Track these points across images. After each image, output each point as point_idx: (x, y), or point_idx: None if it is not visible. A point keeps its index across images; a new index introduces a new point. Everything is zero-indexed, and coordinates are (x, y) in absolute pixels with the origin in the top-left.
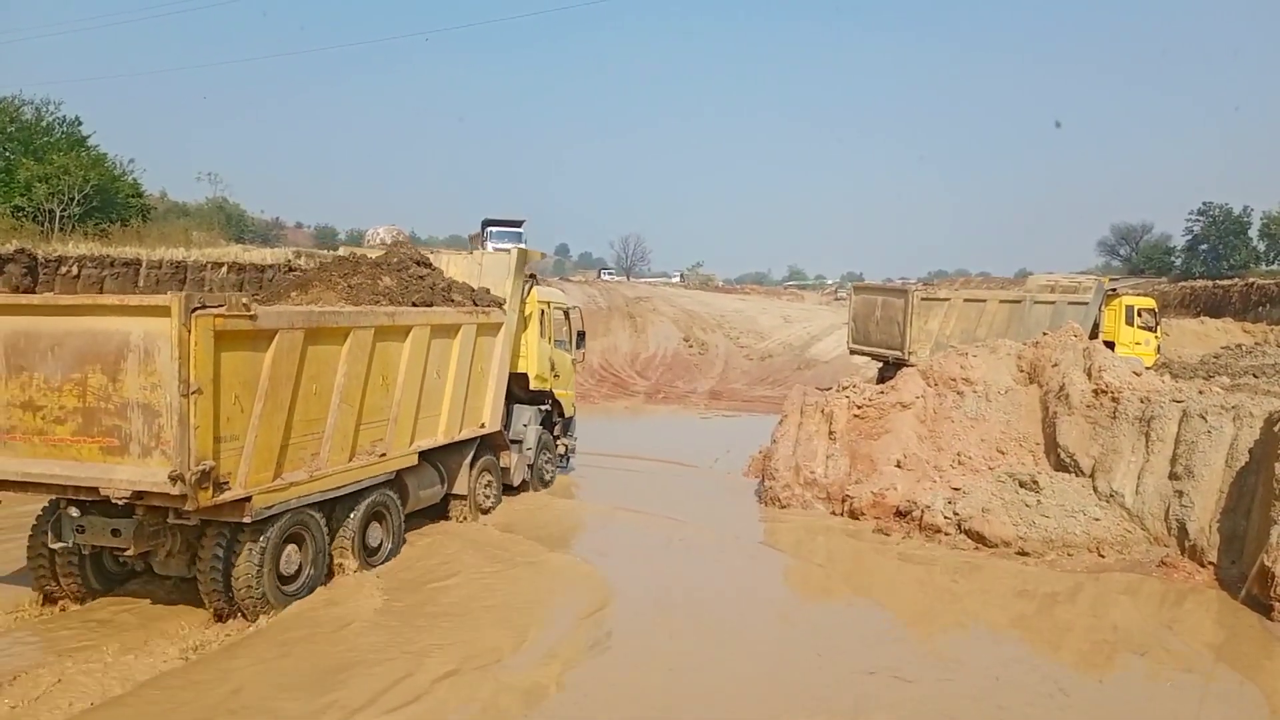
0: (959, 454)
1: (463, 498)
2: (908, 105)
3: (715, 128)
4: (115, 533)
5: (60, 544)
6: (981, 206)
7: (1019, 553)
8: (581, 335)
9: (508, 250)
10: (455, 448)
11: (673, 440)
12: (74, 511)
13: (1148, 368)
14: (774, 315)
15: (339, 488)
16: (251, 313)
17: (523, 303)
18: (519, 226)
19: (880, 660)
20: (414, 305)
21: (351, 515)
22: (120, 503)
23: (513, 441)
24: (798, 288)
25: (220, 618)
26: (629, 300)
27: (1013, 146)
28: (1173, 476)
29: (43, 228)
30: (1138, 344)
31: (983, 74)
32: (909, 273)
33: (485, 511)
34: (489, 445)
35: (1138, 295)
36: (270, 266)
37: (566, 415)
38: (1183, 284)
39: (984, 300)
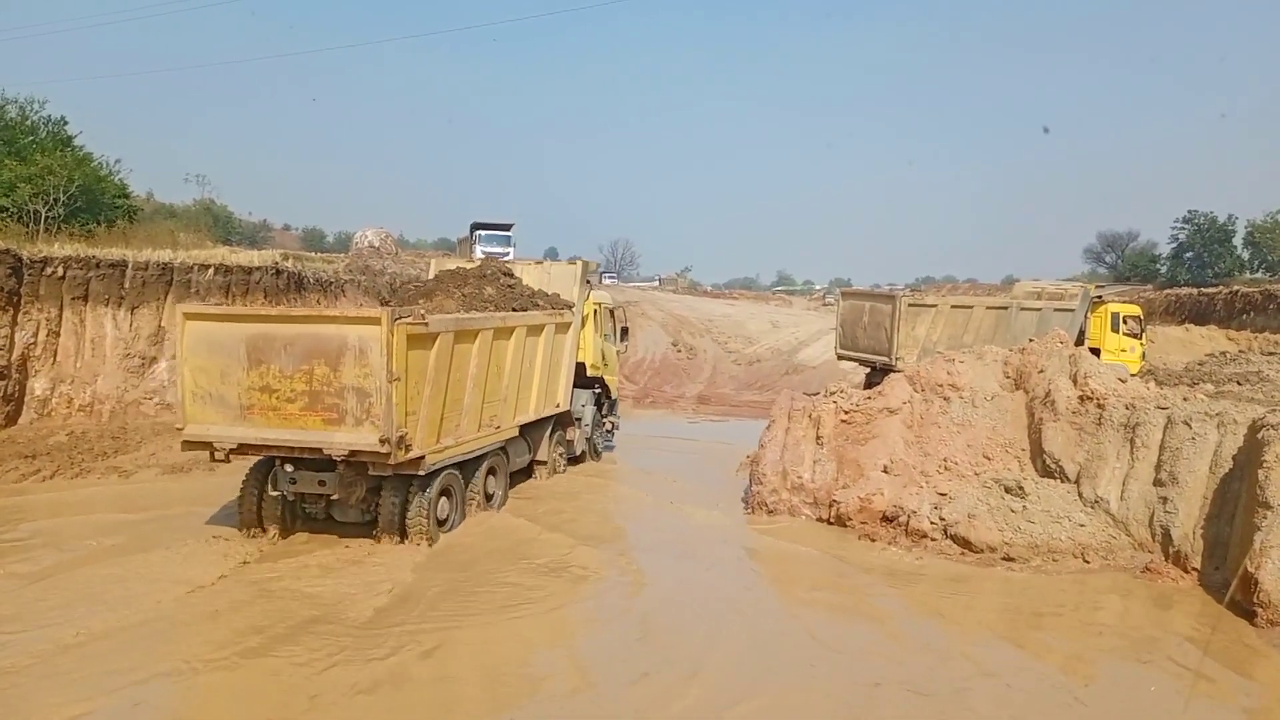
0: (945, 459)
1: (543, 463)
2: (896, 112)
3: (705, 133)
4: (321, 483)
5: (276, 492)
6: (969, 213)
7: (1004, 558)
8: (625, 330)
9: (573, 262)
10: (539, 423)
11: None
12: (289, 467)
13: (1133, 374)
14: (762, 320)
15: (471, 451)
16: (426, 321)
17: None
18: (508, 230)
19: (882, 672)
20: (512, 310)
21: (477, 472)
22: (339, 459)
23: (574, 419)
24: (786, 293)
25: (382, 541)
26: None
27: (1000, 154)
28: (1157, 483)
29: (27, 228)
30: (1123, 351)
31: (970, 80)
32: (897, 278)
33: (558, 473)
34: (560, 421)
35: (1123, 302)
36: (257, 269)
37: (612, 398)
38: (1168, 291)
39: (971, 306)
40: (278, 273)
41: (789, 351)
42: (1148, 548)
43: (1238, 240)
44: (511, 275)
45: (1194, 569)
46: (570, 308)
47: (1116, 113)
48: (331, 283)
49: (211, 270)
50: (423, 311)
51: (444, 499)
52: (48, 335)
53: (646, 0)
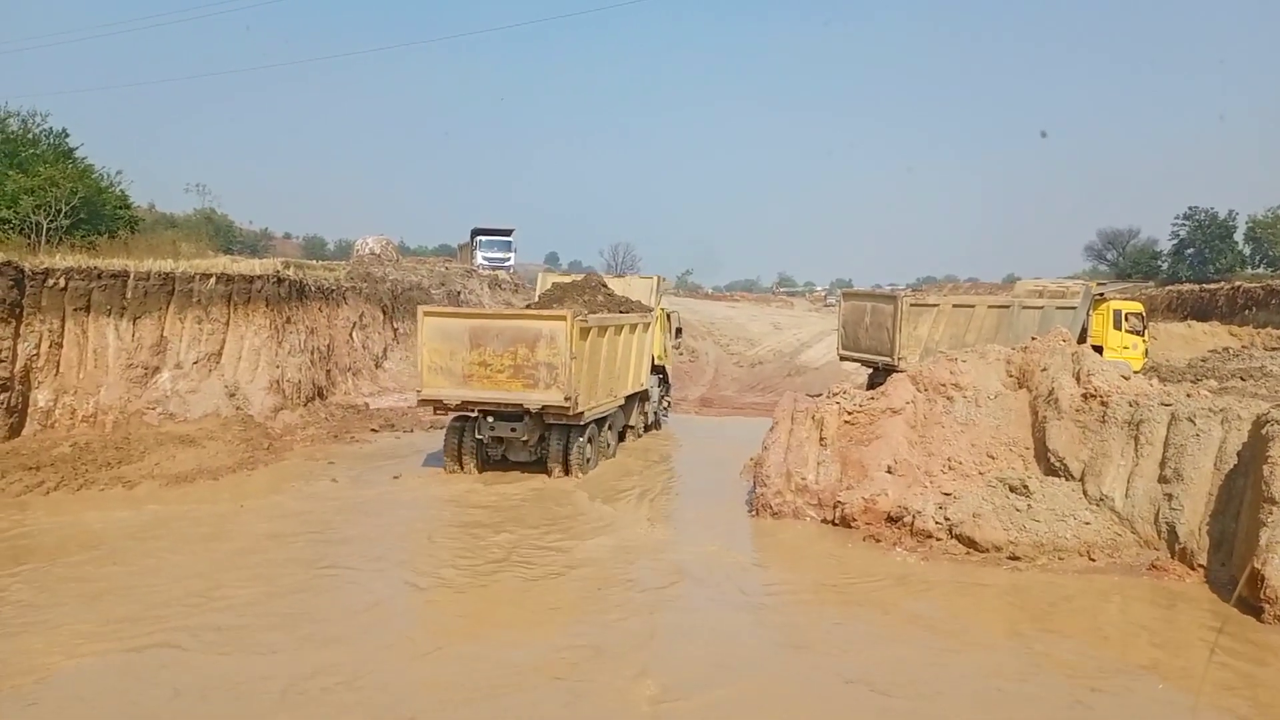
0: (949, 459)
1: (632, 427)
2: (896, 112)
3: (705, 136)
4: (513, 429)
5: (479, 437)
6: (970, 213)
7: (1010, 557)
8: (679, 330)
9: (647, 277)
10: (631, 397)
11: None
12: (489, 419)
13: (1136, 371)
14: (764, 322)
15: (604, 412)
16: (587, 319)
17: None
18: (509, 235)
19: (888, 675)
20: (619, 313)
21: (604, 428)
22: (532, 411)
23: (649, 396)
24: (787, 294)
25: (553, 475)
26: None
27: (1000, 153)
28: (1162, 480)
29: (30, 240)
30: (1126, 348)
31: (970, 80)
32: (898, 279)
33: (639, 435)
34: (641, 397)
35: (1125, 299)
36: (259, 277)
37: (669, 382)
38: (1170, 288)
39: (973, 306)
40: (279, 281)
41: (791, 353)
42: (1153, 545)
43: (1239, 236)
44: (607, 287)
45: (1200, 566)
46: (649, 311)
47: (1116, 110)
48: (333, 290)
49: (213, 279)
50: (585, 313)
51: (589, 444)
52: (50, 346)
53: (646, 4)
